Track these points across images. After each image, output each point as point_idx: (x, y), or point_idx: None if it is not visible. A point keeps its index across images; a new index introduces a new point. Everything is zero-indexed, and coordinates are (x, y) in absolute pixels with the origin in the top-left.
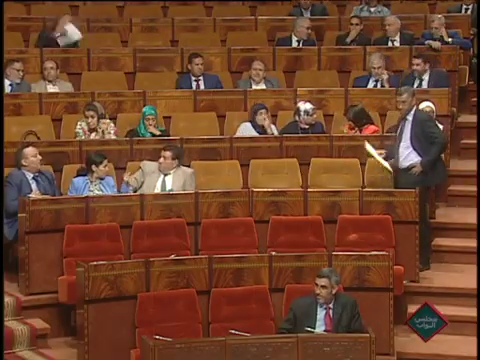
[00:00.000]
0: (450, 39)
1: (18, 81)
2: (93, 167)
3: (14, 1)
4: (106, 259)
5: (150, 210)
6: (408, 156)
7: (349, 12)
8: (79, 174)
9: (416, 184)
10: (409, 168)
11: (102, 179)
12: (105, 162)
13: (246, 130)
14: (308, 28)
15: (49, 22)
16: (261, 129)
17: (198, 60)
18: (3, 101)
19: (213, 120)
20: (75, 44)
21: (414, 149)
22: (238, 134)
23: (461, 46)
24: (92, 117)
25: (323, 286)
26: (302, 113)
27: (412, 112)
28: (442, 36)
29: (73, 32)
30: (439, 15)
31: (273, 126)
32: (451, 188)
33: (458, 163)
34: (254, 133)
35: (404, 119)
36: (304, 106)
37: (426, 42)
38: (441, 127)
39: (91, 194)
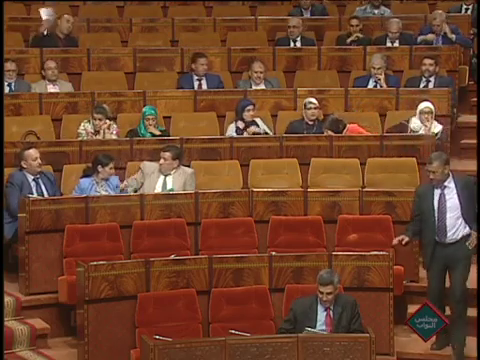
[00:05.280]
0: (453, 36)
1: (10, 81)
2: (99, 168)
3: (14, 1)
4: (106, 259)
5: (150, 210)
6: (459, 227)
7: (349, 12)
8: (85, 174)
9: (472, 254)
10: (461, 240)
11: (107, 180)
12: (112, 164)
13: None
14: (294, 27)
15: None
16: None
17: (203, 60)
18: (3, 101)
19: (213, 120)
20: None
21: (463, 218)
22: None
23: (462, 44)
24: (100, 120)
25: (329, 293)
26: (304, 106)
27: (450, 178)
28: (445, 33)
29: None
30: (440, 11)
31: (259, 120)
32: None
33: (458, 163)
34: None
35: (441, 187)
36: (306, 100)
37: (419, 38)
38: (440, 127)
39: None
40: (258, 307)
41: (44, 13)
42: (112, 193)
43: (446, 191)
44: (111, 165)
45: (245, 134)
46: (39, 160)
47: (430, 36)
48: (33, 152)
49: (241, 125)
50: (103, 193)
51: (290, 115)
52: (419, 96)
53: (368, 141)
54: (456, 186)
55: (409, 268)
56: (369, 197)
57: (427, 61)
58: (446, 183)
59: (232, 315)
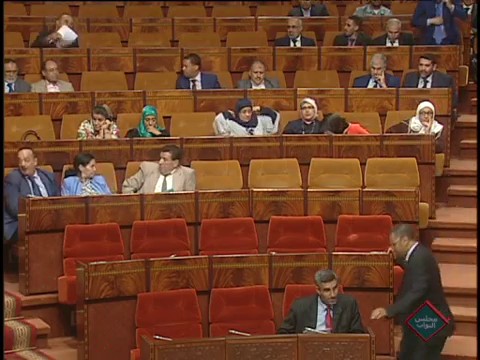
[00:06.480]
0: (452, 6)
1: (11, 81)
2: (80, 167)
3: (14, 1)
4: (106, 259)
5: (150, 210)
6: None
7: (349, 12)
8: (68, 174)
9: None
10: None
11: (91, 178)
12: (92, 162)
13: (222, 121)
14: (294, 27)
15: (47, 25)
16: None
17: (186, 62)
18: (3, 101)
19: (213, 120)
20: (74, 44)
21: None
22: (221, 129)
23: (458, 15)
24: (100, 120)
25: (334, 287)
26: (300, 106)
27: (410, 252)
28: (445, 3)
29: (68, 34)
30: None
31: (257, 108)
32: (451, 188)
33: (458, 163)
34: (235, 127)
35: (403, 262)
36: (302, 100)
37: (428, 20)
38: (440, 127)
39: (84, 193)
40: (258, 307)
41: (66, 33)
42: (101, 192)
43: (406, 266)
44: (92, 162)
45: (234, 125)
46: (28, 162)
47: (438, 19)
48: (24, 153)
49: (231, 111)
50: (89, 191)
51: (290, 115)
52: (419, 96)
53: (368, 141)
54: (408, 261)
55: None
56: (369, 197)
57: (424, 61)
58: (407, 257)
59: (232, 315)
